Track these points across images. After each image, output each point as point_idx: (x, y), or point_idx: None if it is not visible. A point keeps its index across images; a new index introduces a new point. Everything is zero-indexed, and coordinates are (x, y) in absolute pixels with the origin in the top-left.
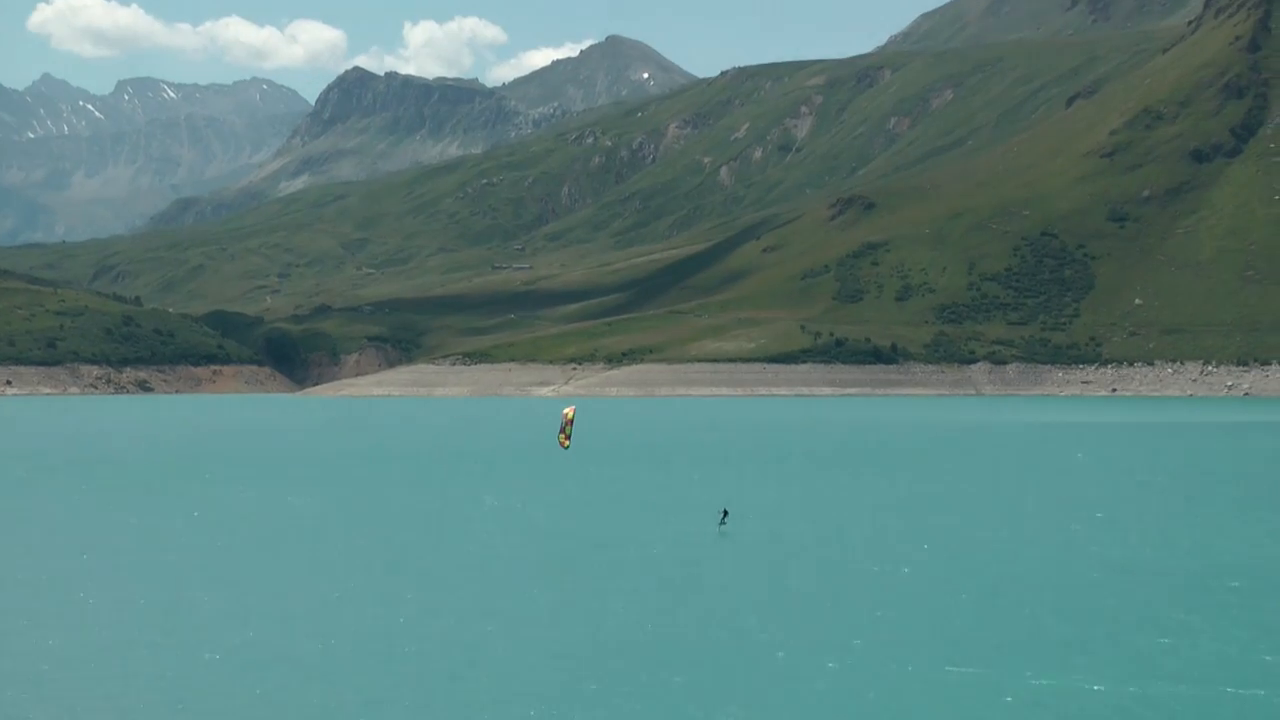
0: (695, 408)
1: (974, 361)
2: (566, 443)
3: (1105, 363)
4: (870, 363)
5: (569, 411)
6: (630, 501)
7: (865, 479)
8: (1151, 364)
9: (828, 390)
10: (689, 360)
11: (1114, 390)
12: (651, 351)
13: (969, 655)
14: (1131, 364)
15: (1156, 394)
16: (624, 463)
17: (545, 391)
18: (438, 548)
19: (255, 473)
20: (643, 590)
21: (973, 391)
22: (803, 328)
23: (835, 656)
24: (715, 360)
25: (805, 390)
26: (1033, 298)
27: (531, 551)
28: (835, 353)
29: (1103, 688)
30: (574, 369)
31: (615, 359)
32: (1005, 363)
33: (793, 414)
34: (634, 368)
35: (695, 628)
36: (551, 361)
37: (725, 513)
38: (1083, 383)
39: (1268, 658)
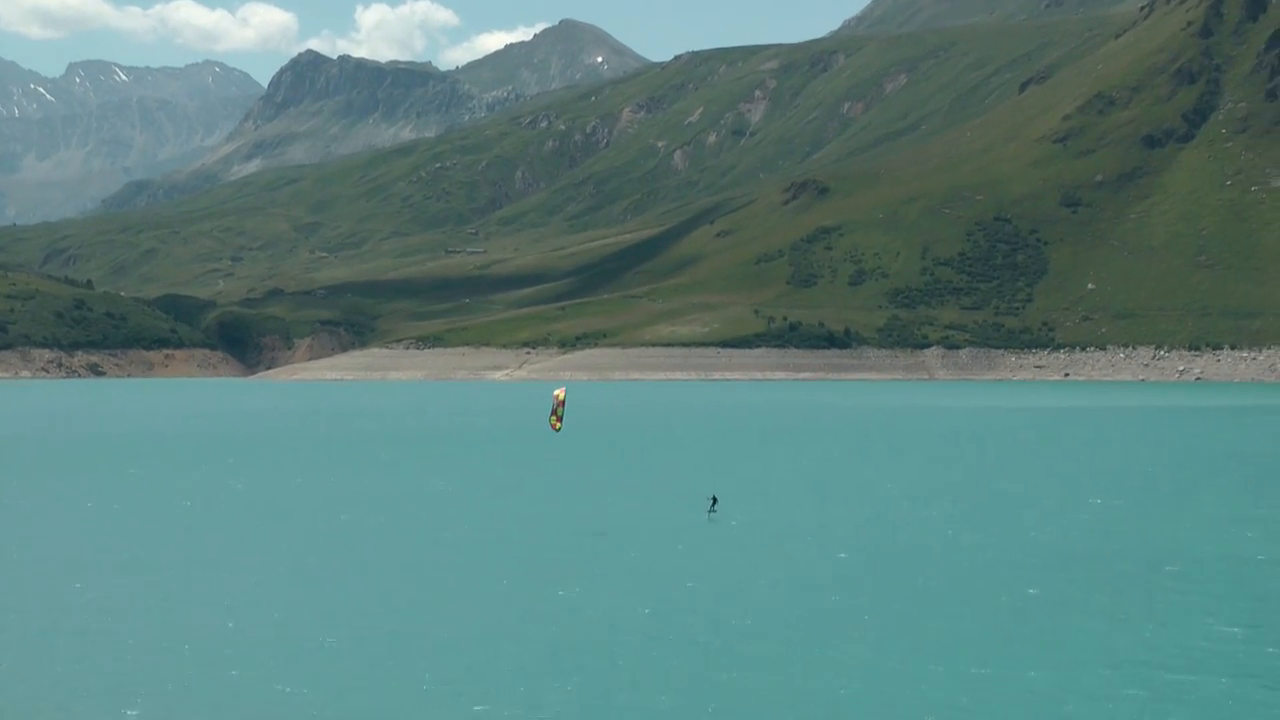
0: (650, 392)
1: (927, 346)
2: (558, 425)
3: (1058, 347)
4: (824, 347)
5: (560, 393)
6: (614, 488)
7: (836, 462)
8: (1104, 349)
9: (781, 375)
10: (643, 344)
11: (1067, 375)
12: (605, 336)
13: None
14: (1084, 349)
15: (1109, 379)
16: (601, 448)
17: (499, 376)
18: (418, 538)
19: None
20: (635, 583)
21: (926, 376)
22: (756, 312)
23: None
24: (669, 345)
25: (759, 375)
26: (986, 282)
27: (519, 541)
28: (789, 337)
29: (1037, 676)
30: (528, 353)
31: (569, 343)
32: (959, 347)
33: (748, 398)
34: (588, 352)
35: (688, 621)
36: (505, 346)
37: (714, 500)
38: (1036, 367)
39: (1202, 643)
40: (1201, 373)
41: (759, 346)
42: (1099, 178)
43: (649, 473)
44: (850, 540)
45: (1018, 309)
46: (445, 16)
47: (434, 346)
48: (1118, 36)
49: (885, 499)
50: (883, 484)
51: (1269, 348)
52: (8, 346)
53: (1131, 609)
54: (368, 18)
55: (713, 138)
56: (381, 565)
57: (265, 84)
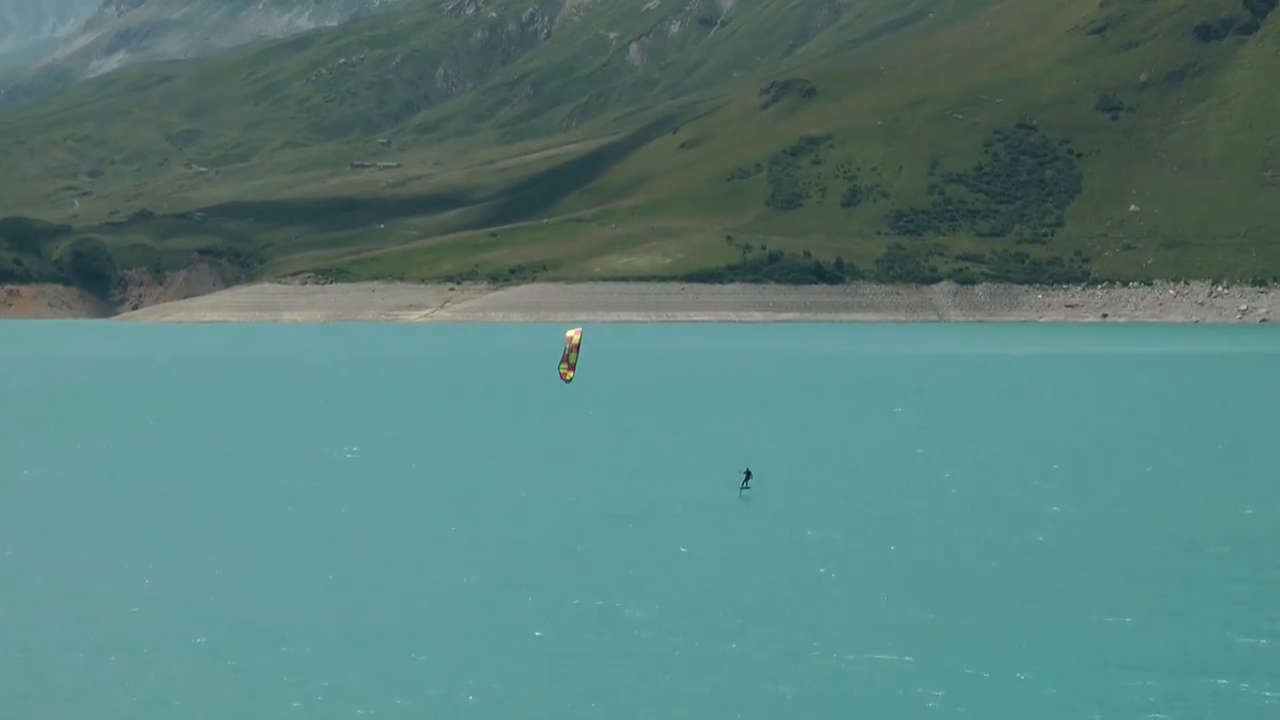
0: (600, 337)
1: (936, 281)
2: (570, 374)
3: (1094, 282)
4: (810, 282)
5: (574, 335)
6: (631, 456)
7: (846, 427)
8: (1150, 284)
9: (759, 315)
10: (591, 279)
11: (1105, 316)
12: (546, 268)
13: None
14: (1126, 284)
15: (1156, 320)
16: (602, 404)
17: (416, 317)
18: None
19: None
20: (671, 586)
21: (934, 317)
22: (729, 240)
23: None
24: (624, 279)
25: (732, 315)
26: (1007, 204)
27: (536, 525)
28: (768, 270)
29: (1045, 679)
30: (451, 289)
31: (502, 277)
32: (974, 282)
33: (719, 344)
34: (525, 288)
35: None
36: (424, 280)
37: (748, 474)
38: (1067, 306)
39: (1249, 641)
40: (1268, 313)
41: (732, 281)
42: (1143, 77)
43: (652, 439)
44: (896, 529)
45: (1045, 236)
46: None
47: (337, 281)
48: None
49: (915, 473)
50: (906, 453)
51: None
52: None
53: (1167, 601)
54: None
55: (675, 28)
56: (347, 555)
57: None
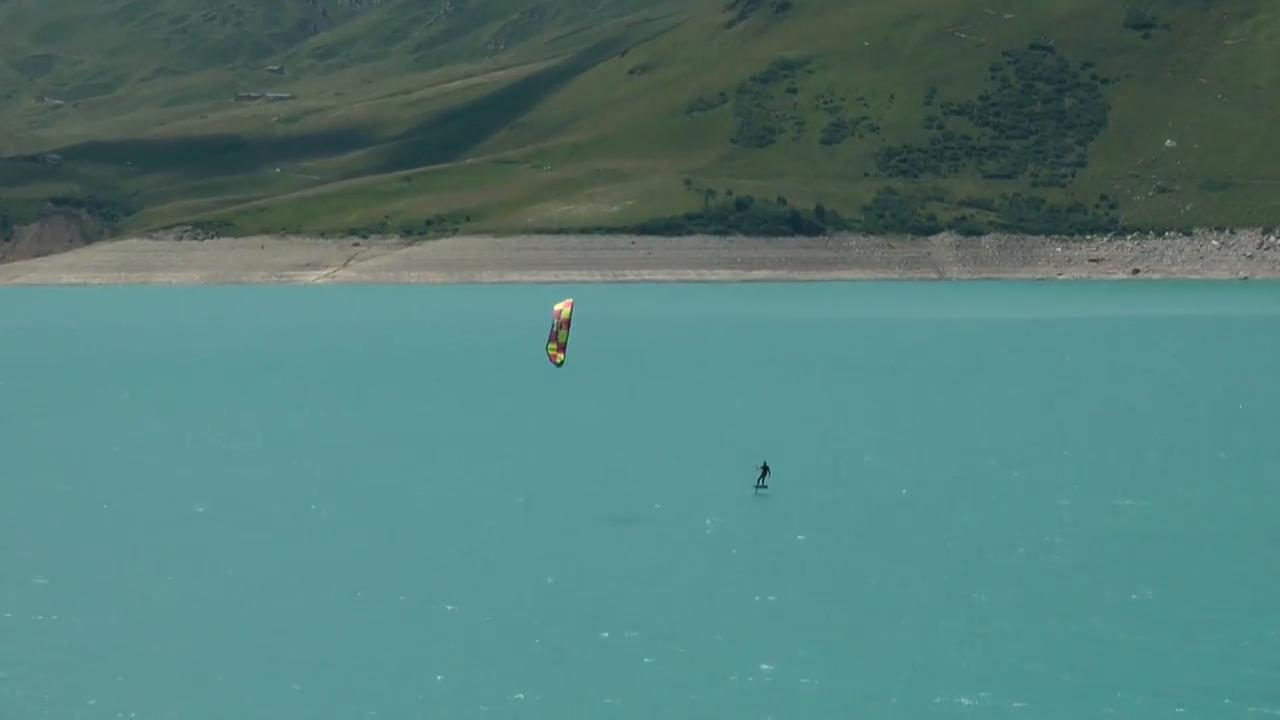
0: (536, 300)
1: (935, 232)
2: (560, 356)
3: (1124, 232)
4: (786, 234)
5: (563, 308)
6: (625, 448)
7: (855, 410)
8: (1189, 234)
9: (725, 274)
10: (524, 231)
11: (1136, 272)
12: (469, 219)
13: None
14: (1161, 234)
15: (1197, 275)
16: (572, 388)
17: (315, 278)
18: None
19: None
20: (685, 621)
21: (934, 275)
22: (688, 184)
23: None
24: (563, 231)
25: (693, 274)
26: (1020, 139)
27: (533, 533)
28: (736, 220)
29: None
30: (357, 245)
31: (417, 230)
32: (980, 233)
33: (678, 311)
34: (445, 242)
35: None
36: (324, 234)
37: (764, 469)
38: (1091, 261)
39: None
40: None
41: (693, 233)
42: None
43: (643, 427)
44: (928, 541)
45: (1065, 178)
46: None
47: (220, 236)
48: None
49: (934, 467)
50: (922, 443)
51: None
52: None
53: (1206, 615)
54: None
55: None
56: (327, 565)
57: None
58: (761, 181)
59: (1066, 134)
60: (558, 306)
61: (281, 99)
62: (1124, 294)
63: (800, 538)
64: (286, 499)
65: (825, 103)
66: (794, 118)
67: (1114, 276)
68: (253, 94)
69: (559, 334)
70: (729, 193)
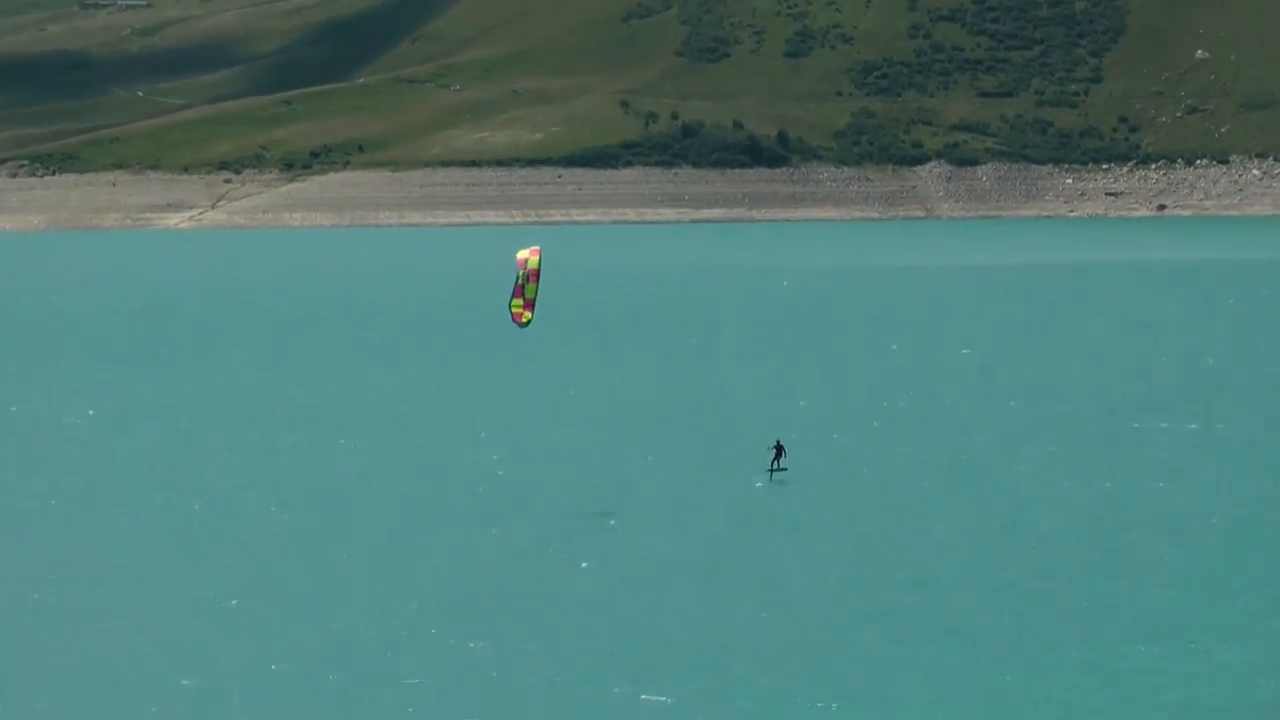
0: (444, 246)
1: (922, 162)
2: (528, 314)
3: (1147, 160)
4: (743, 165)
5: (529, 256)
6: (604, 426)
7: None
8: (1225, 162)
9: (670, 213)
10: (428, 164)
11: (1162, 208)
12: (364, 150)
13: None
14: (1191, 162)
15: (1234, 212)
16: (527, 354)
17: (178, 221)
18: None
19: None
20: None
21: (921, 213)
22: (625, 106)
23: None
24: (476, 164)
25: (631, 214)
26: (1021, 51)
27: (513, 531)
28: (683, 149)
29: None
30: (228, 182)
31: (301, 163)
32: (975, 163)
33: (618, 256)
34: (334, 178)
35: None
36: (188, 170)
37: (779, 450)
38: (1108, 195)
39: None
40: None
41: (631, 165)
42: None
43: (627, 398)
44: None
45: (1076, 96)
46: None
47: (62, 172)
48: None
49: (963, 442)
50: (939, 414)
51: None
52: None
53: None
54: None
55: None
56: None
57: None
58: (713, 103)
59: (1078, 43)
60: (522, 254)
61: (136, 7)
62: (1147, 234)
63: (824, 546)
64: (192, 492)
65: (789, 7)
66: (751, 26)
67: (1136, 213)
68: (101, 1)
69: (525, 288)
70: (674, 117)
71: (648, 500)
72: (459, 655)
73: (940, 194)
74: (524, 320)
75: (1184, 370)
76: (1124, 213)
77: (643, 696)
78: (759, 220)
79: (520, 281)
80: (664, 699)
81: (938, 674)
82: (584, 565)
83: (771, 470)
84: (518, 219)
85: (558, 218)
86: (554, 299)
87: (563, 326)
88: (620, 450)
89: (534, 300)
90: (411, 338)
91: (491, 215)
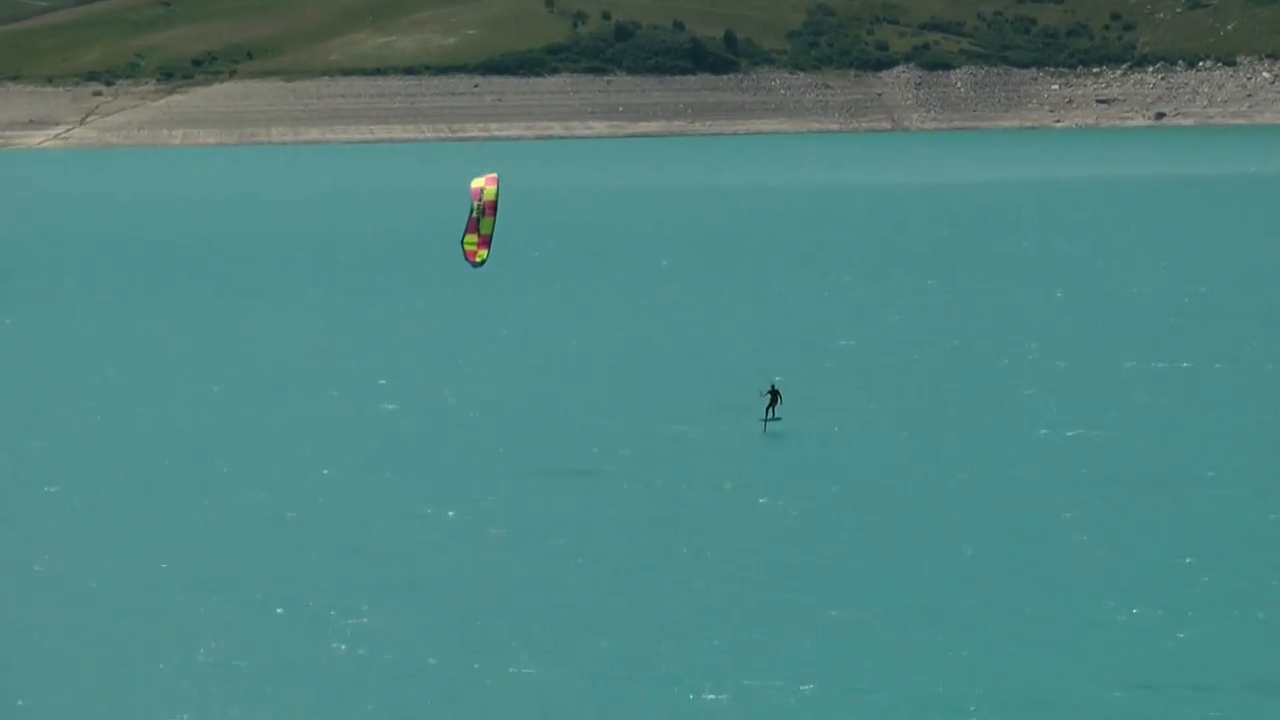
0: (349, 167)
1: (888, 66)
2: (482, 252)
3: (1143, 62)
4: (684, 72)
5: (486, 185)
6: (575, 368)
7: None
8: (1232, 63)
9: (604, 127)
10: (328, 72)
11: (1160, 116)
12: (253, 56)
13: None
14: (1194, 64)
15: (1242, 121)
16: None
17: (42, 139)
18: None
19: None
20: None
21: (887, 124)
22: (550, 4)
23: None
24: (381, 72)
25: (559, 128)
26: None
27: (474, 498)
28: (616, 53)
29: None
30: (99, 94)
31: (181, 72)
32: (949, 66)
33: (543, 177)
34: (220, 89)
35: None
36: (53, 81)
37: (774, 394)
38: (1099, 102)
39: None
40: None
41: (558, 72)
42: None
43: (595, 336)
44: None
45: None
46: None
47: None
48: None
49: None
50: (936, 355)
51: None
52: None
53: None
54: None
55: None
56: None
57: None
58: (650, 1)
59: None
60: (477, 183)
61: None
62: (1145, 146)
63: (839, 513)
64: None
65: None
66: None
67: (1131, 123)
68: None
69: (480, 223)
70: (606, 16)
71: (629, 458)
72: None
73: (909, 103)
74: (478, 259)
75: (1176, 300)
76: (1117, 122)
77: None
78: (703, 134)
79: (474, 215)
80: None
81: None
82: (557, 545)
83: (766, 419)
84: (428, 135)
85: (474, 133)
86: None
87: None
88: (590, 399)
89: (490, 237)
90: (307, 272)
91: (399, 130)
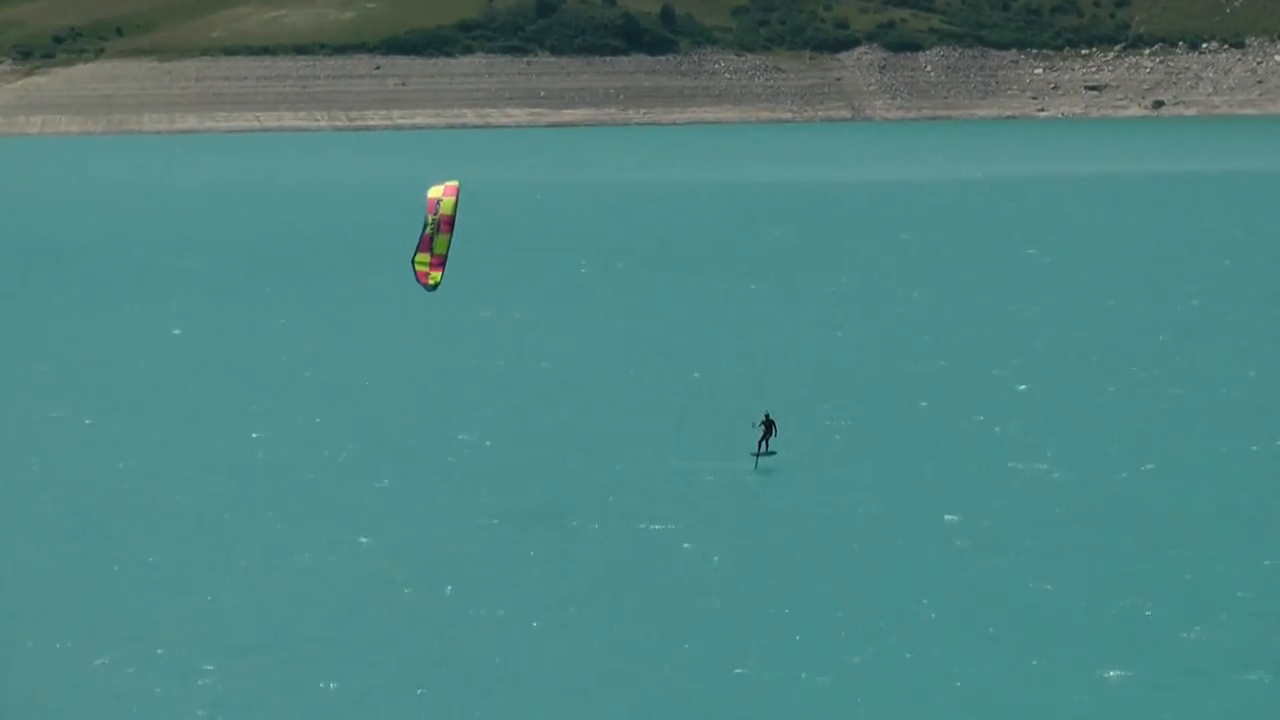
0: (238, 161)
1: (849, 47)
2: (436, 274)
3: (1139, 44)
4: (616, 52)
5: (444, 196)
6: (535, 391)
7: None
8: (1239, 45)
9: (524, 114)
10: (208, 51)
11: (1158, 105)
12: (122, 33)
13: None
14: (1196, 47)
15: (1250, 110)
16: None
17: None
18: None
19: None
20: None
21: (847, 113)
22: None
23: None
24: (269, 51)
25: (472, 115)
26: None
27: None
28: (538, 31)
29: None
30: None
31: (41, 51)
32: (917, 48)
33: (463, 172)
34: (85, 69)
35: None
36: None
37: (768, 425)
38: (1089, 89)
39: None
40: None
41: (471, 52)
42: None
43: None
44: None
45: None
46: None
47: None
48: None
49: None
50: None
51: None
52: None
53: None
54: None
55: None
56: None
57: None
58: None
59: None
60: (434, 193)
61: None
62: (1140, 138)
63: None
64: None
65: None
66: None
67: (1125, 112)
68: None
69: (435, 240)
70: None
71: (602, 502)
72: None
73: (871, 89)
74: (431, 282)
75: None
76: (1109, 112)
77: None
78: (637, 124)
79: (428, 230)
80: None
81: None
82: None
83: (759, 453)
84: (323, 123)
85: (375, 121)
86: (373, 228)
87: (382, 265)
88: (566, 425)
89: (445, 257)
90: (189, 278)
91: (289, 118)
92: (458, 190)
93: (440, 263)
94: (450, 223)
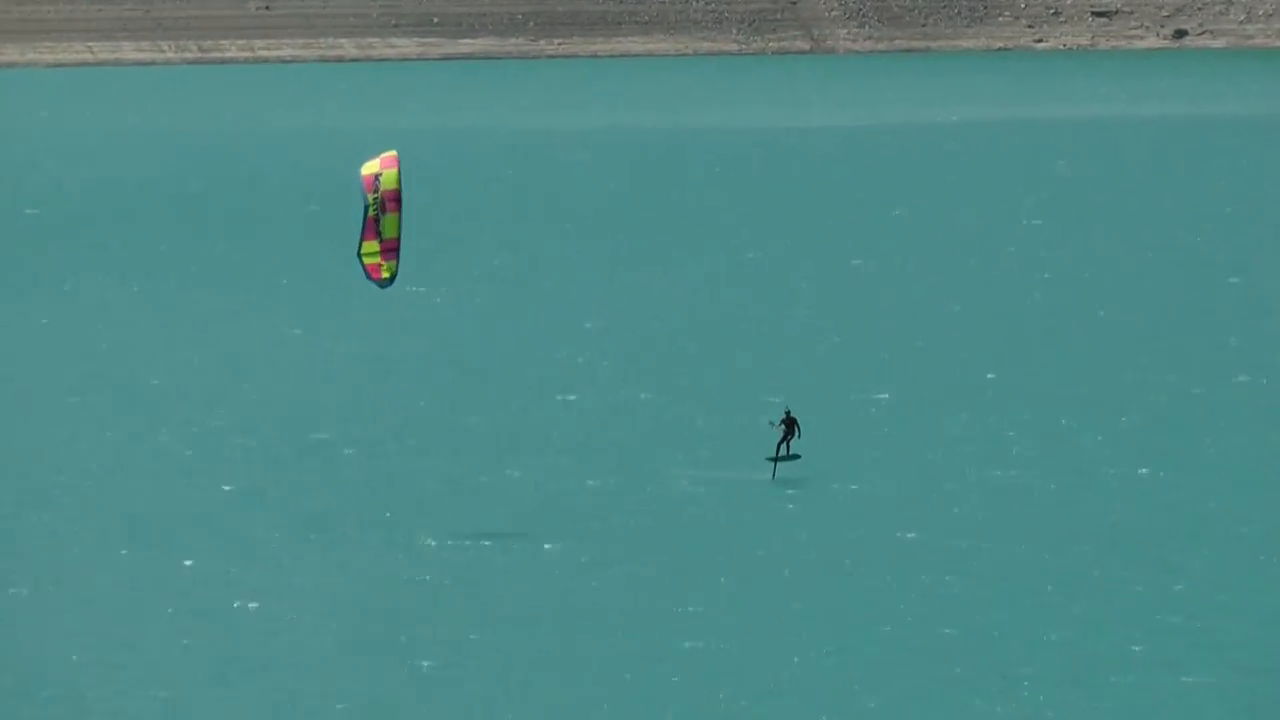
0: (52, 97)
1: None
2: (390, 264)
3: None
4: None
5: (383, 170)
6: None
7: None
8: None
9: (412, 46)
10: None
11: (1179, 35)
12: None
13: None
14: None
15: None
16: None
17: None
18: None
19: None
20: None
21: (806, 45)
22: None
23: None
24: None
25: (351, 47)
26: None
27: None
28: None
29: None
30: None
31: None
32: None
33: (340, 117)
34: None
35: None
36: None
37: (789, 425)
38: (1096, 16)
39: None
40: None
41: None
42: None
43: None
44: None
45: None
46: None
47: None
48: None
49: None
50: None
51: None
52: None
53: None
54: None
55: None
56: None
57: None
58: None
59: None
60: (370, 168)
61: None
62: (1158, 75)
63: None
64: None
65: None
66: None
67: (1139, 44)
68: None
69: (382, 223)
70: None
71: (586, 528)
72: None
73: (834, 15)
74: (385, 275)
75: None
76: (1121, 43)
77: None
78: (550, 56)
79: (371, 212)
80: None
81: None
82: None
83: (778, 457)
84: (171, 56)
85: (234, 53)
86: (234, 185)
87: (252, 233)
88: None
89: (397, 241)
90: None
91: (130, 49)
92: (398, 160)
93: (393, 249)
94: (397, 198)
